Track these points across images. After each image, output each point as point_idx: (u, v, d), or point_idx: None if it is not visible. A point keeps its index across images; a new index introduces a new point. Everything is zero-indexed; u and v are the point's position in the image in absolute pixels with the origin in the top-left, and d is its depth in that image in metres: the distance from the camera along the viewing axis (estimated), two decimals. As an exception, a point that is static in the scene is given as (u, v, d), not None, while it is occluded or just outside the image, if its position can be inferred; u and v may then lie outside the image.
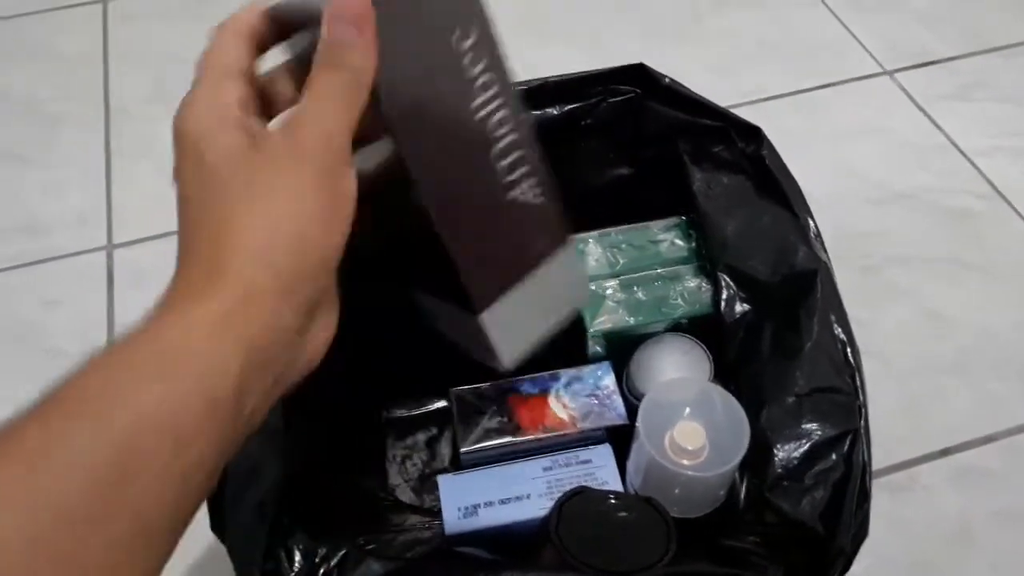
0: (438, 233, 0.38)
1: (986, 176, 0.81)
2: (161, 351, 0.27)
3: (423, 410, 0.61)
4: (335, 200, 0.30)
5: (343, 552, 0.39)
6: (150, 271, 0.74)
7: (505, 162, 0.39)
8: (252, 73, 0.33)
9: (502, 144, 0.38)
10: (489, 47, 0.37)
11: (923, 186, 0.80)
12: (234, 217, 0.29)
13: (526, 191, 0.40)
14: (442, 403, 0.60)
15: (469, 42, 0.36)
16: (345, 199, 0.30)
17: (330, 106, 0.30)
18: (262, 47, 0.34)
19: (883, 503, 0.59)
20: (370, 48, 0.31)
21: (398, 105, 0.35)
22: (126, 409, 0.25)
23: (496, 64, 0.37)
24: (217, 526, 0.42)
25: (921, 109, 0.86)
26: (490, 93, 0.38)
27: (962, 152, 0.83)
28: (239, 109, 0.31)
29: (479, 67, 0.37)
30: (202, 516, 0.41)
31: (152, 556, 0.26)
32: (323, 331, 0.32)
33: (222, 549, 0.40)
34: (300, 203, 0.29)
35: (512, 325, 0.42)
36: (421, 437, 0.60)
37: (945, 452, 0.62)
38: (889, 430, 0.62)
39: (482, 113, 0.38)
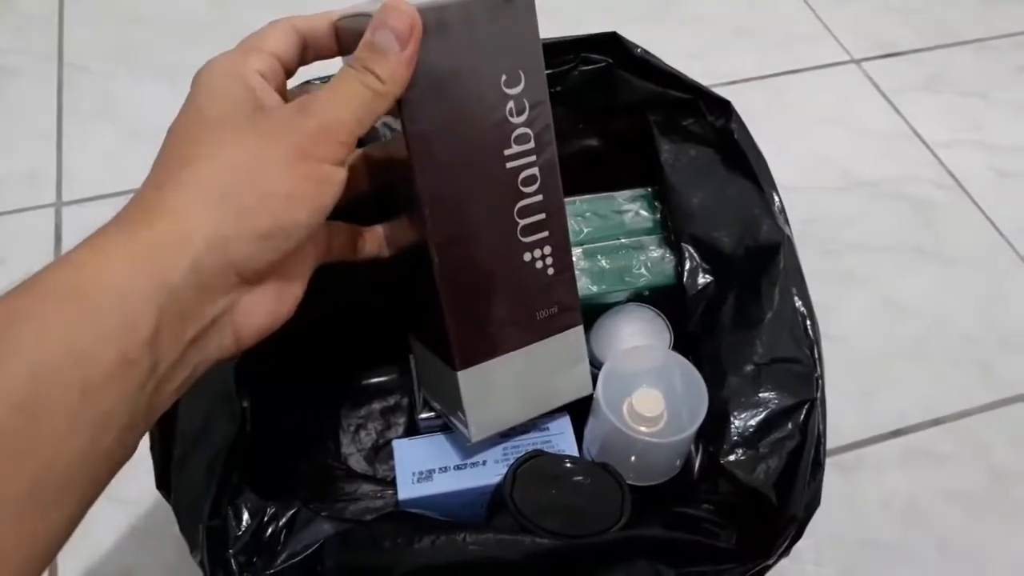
0: (436, 272, 0.36)
1: (947, 167, 0.82)
2: (75, 285, 0.25)
3: (378, 379, 0.60)
4: (311, 184, 0.29)
5: (292, 512, 0.38)
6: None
7: (526, 221, 0.37)
8: (290, 62, 0.33)
9: (527, 202, 0.37)
10: (535, 100, 0.36)
11: (885, 175, 0.81)
12: (200, 158, 0.29)
13: (540, 258, 0.38)
14: (396, 373, 0.59)
15: (516, 90, 0.35)
16: (323, 187, 0.30)
17: (342, 100, 0.30)
18: (319, 54, 0.34)
19: (833, 482, 0.60)
20: (405, 65, 0.31)
21: (423, 132, 0.34)
22: (33, 349, 0.24)
23: (538, 119, 0.36)
24: (163, 483, 0.41)
25: (887, 99, 0.87)
26: (525, 147, 0.36)
27: (925, 143, 0.84)
28: (257, 75, 0.31)
29: (520, 118, 0.36)
30: (147, 476, 0.41)
31: (60, 506, 0.25)
32: (264, 308, 0.31)
33: (166, 512, 0.39)
34: (273, 171, 0.29)
35: (490, 395, 0.40)
36: (376, 406, 0.59)
37: (896, 433, 0.63)
38: (842, 411, 0.62)
39: (513, 164, 0.36)
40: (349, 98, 0.30)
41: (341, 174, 0.30)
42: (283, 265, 0.31)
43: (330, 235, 0.37)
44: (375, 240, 0.39)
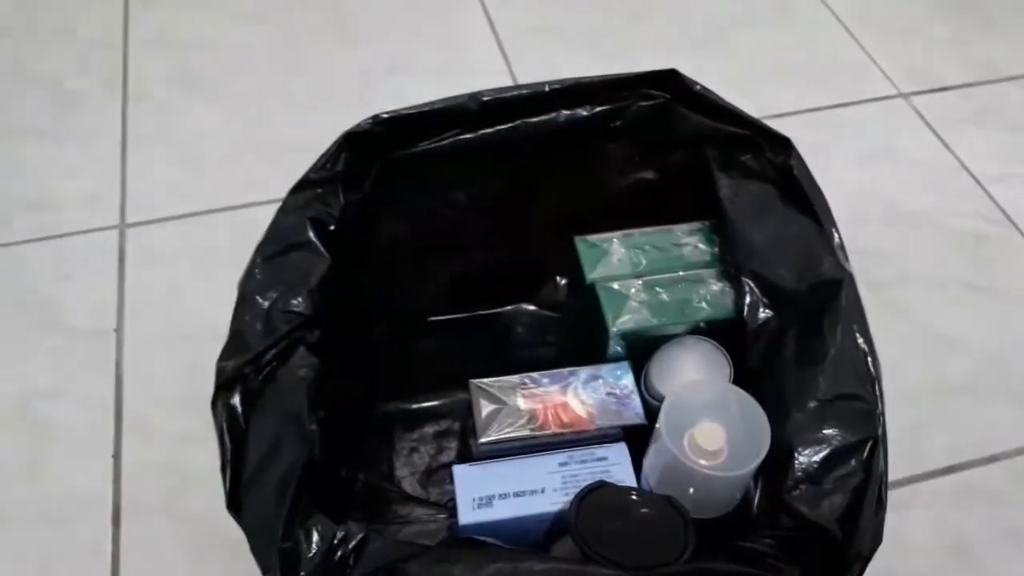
0: None
1: (996, 201, 0.81)
2: None
3: (432, 403, 0.61)
4: None
5: (361, 536, 0.39)
6: (160, 251, 0.74)
7: None
8: None
9: None
10: None
11: (934, 208, 0.81)
12: None
13: None
14: (451, 397, 0.60)
15: None
16: None
17: None
18: None
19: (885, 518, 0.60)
20: None
21: None
22: None
23: None
24: (233, 505, 0.42)
25: (935, 132, 0.87)
26: None
27: (973, 176, 0.84)
28: None
29: None
30: (216, 497, 0.41)
31: None
32: None
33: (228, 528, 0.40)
34: None
35: None
36: (429, 430, 0.60)
37: (949, 470, 0.63)
38: (893, 447, 0.62)
39: None
40: None
41: None
42: None
43: None
44: None
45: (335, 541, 0.39)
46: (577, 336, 0.56)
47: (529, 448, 0.47)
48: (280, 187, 0.50)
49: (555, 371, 0.49)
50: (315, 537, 0.39)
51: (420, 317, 0.63)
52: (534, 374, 0.49)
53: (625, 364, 0.49)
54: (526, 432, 0.46)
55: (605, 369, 0.49)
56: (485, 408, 0.48)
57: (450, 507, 0.48)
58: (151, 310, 0.70)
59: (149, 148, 0.83)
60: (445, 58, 0.92)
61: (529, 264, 0.64)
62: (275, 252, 0.47)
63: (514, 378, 0.49)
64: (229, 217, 0.77)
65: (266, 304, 0.45)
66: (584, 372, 0.49)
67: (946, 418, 0.66)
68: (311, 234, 0.48)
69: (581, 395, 0.48)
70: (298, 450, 0.41)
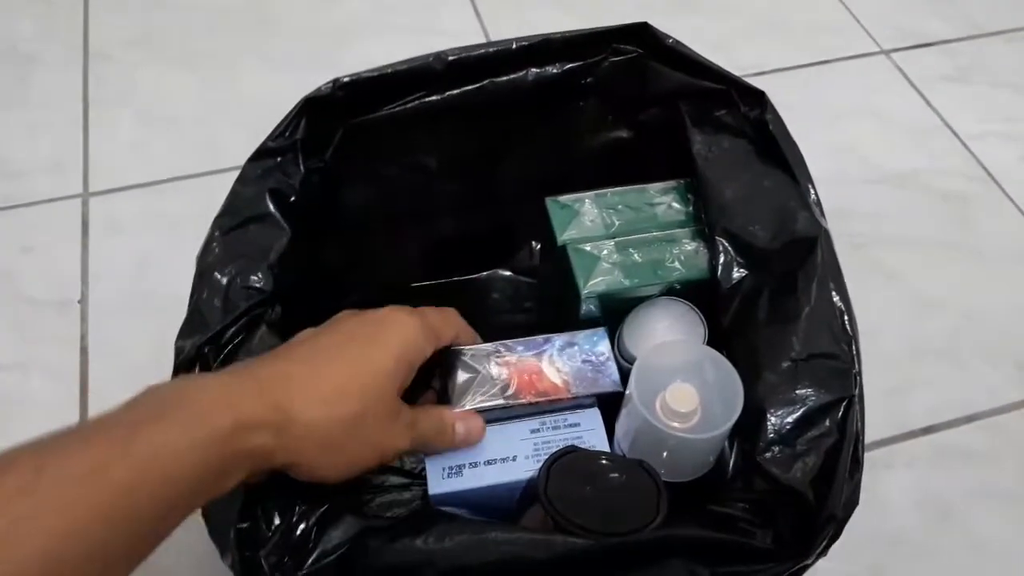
0: None
1: (979, 159, 0.80)
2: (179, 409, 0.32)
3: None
4: (383, 457, 0.39)
5: (322, 510, 0.38)
6: (125, 221, 0.72)
7: None
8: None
9: None
10: None
11: (916, 167, 0.80)
12: (326, 361, 0.38)
13: None
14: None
15: None
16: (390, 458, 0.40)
17: (430, 430, 0.42)
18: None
19: (863, 480, 0.59)
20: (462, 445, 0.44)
21: None
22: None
23: None
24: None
25: (917, 90, 0.86)
26: None
27: (956, 134, 0.82)
28: (420, 362, 0.41)
29: None
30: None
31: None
32: (327, 469, 0.38)
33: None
34: (370, 439, 0.38)
35: None
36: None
37: (928, 430, 0.63)
38: (872, 407, 0.61)
39: None
40: (431, 435, 0.43)
41: (399, 451, 0.40)
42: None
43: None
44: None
45: (294, 518, 0.37)
46: (551, 299, 0.55)
47: (503, 417, 0.46)
48: (249, 153, 0.48)
49: (530, 338, 0.47)
50: (274, 515, 0.37)
51: (393, 285, 0.62)
52: (508, 342, 0.47)
53: (602, 331, 0.47)
54: (500, 401, 0.45)
55: (581, 336, 0.47)
56: (460, 376, 0.46)
57: (424, 475, 0.47)
58: (116, 281, 0.68)
59: (112, 113, 0.80)
60: (419, 16, 0.90)
61: (503, 229, 0.62)
62: (233, 225, 0.45)
63: (488, 346, 0.47)
64: (197, 184, 0.75)
65: (224, 280, 0.43)
66: (559, 339, 0.47)
67: (925, 379, 0.65)
68: (271, 206, 0.46)
69: (556, 363, 0.47)
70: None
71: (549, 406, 0.46)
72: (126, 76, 0.83)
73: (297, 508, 0.38)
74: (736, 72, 0.50)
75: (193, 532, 0.54)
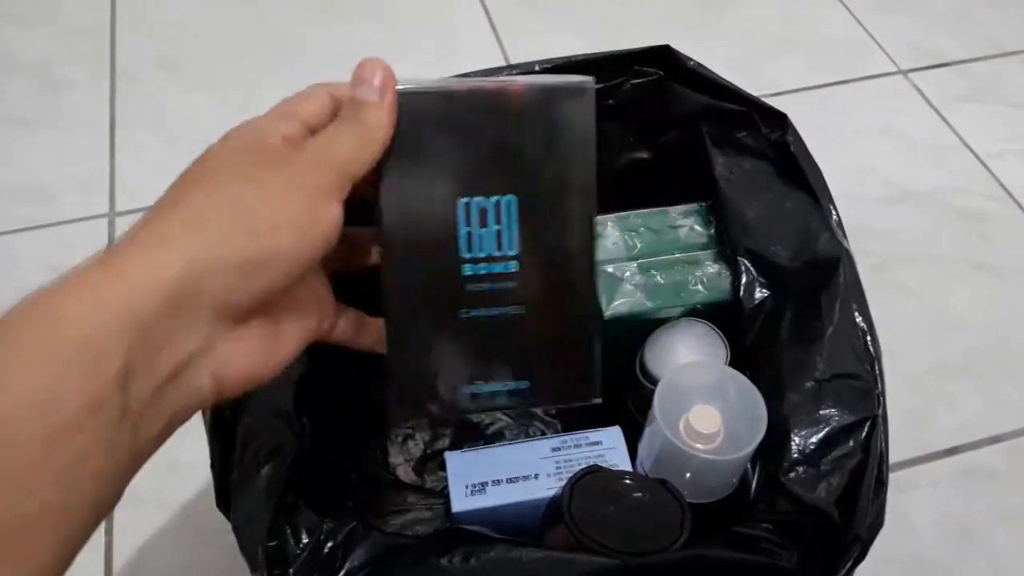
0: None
1: (997, 178, 0.80)
2: (45, 321, 0.25)
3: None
4: (299, 214, 0.30)
5: (349, 528, 0.38)
6: (153, 240, 0.73)
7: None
8: (319, 129, 0.33)
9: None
10: None
11: (934, 186, 0.80)
12: (193, 193, 0.30)
13: None
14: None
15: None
16: (311, 221, 0.30)
17: (335, 140, 0.32)
18: None
19: (887, 500, 0.59)
20: (388, 111, 0.32)
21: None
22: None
23: None
24: (223, 501, 0.41)
25: (934, 109, 0.86)
26: None
27: (974, 153, 0.82)
28: (280, 137, 0.31)
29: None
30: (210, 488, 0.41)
31: (29, 559, 0.24)
32: (248, 358, 0.30)
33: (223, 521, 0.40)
34: (260, 199, 0.29)
35: None
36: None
37: (951, 451, 0.62)
38: (894, 428, 0.61)
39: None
40: (342, 140, 0.32)
41: (332, 212, 0.30)
42: (270, 312, 0.31)
43: (336, 313, 0.36)
44: (378, 333, 0.37)
45: (322, 536, 0.38)
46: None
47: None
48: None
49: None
50: (302, 533, 0.38)
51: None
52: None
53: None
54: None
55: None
56: None
57: (446, 494, 0.48)
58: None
59: (139, 134, 0.81)
60: (438, 42, 0.91)
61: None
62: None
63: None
64: (220, 204, 0.76)
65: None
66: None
67: (948, 399, 0.65)
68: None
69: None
70: (286, 445, 0.40)
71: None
72: (152, 98, 0.84)
73: (324, 526, 0.38)
74: (753, 92, 0.50)
75: (216, 549, 0.55)
